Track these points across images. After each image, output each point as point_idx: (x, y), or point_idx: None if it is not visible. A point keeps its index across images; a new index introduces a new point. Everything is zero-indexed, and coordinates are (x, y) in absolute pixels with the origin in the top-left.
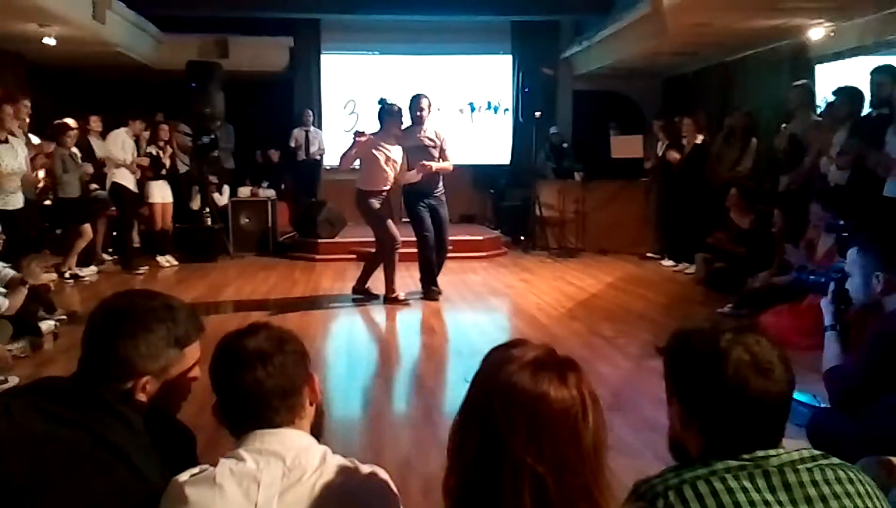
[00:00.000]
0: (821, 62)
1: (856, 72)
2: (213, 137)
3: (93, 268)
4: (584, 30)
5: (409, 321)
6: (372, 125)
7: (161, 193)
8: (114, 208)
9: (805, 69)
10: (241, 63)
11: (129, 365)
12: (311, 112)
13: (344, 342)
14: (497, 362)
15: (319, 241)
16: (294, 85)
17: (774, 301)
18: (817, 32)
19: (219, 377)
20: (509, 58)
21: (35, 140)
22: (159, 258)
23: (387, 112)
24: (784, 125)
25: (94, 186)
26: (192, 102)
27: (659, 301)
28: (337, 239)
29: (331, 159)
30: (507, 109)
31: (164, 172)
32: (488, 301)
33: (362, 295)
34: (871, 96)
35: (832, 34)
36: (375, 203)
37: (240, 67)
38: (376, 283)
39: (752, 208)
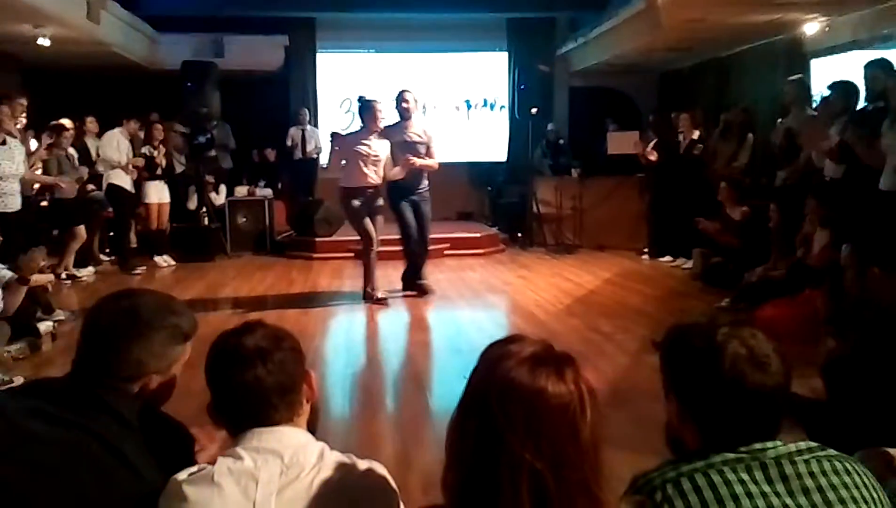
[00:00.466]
0: (816, 57)
1: (851, 66)
2: (209, 136)
3: (90, 268)
4: (580, 26)
5: (407, 318)
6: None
7: (158, 193)
8: (110, 209)
9: (800, 64)
10: (237, 62)
11: (142, 366)
12: (307, 111)
13: (342, 340)
14: (494, 358)
15: (316, 239)
16: (290, 84)
17: (771, 295)
18: (812, 27)
19: (217, 376)
20: (505, 55)
21: (33, 144)
22: (156, 258)
23: (363, 109)
24: (780, 120)
25: (90, 187)
26: (188, 101)
27: (656, 297)
28: (334, 237)
29: (327, 158)
30: (503, 106)
31: (159, 172)
32: (486, 298)
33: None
34: (866, 90)
35: (827, 29)
36: (356, 201)
37: (235, 66)
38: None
39: (744, 200)
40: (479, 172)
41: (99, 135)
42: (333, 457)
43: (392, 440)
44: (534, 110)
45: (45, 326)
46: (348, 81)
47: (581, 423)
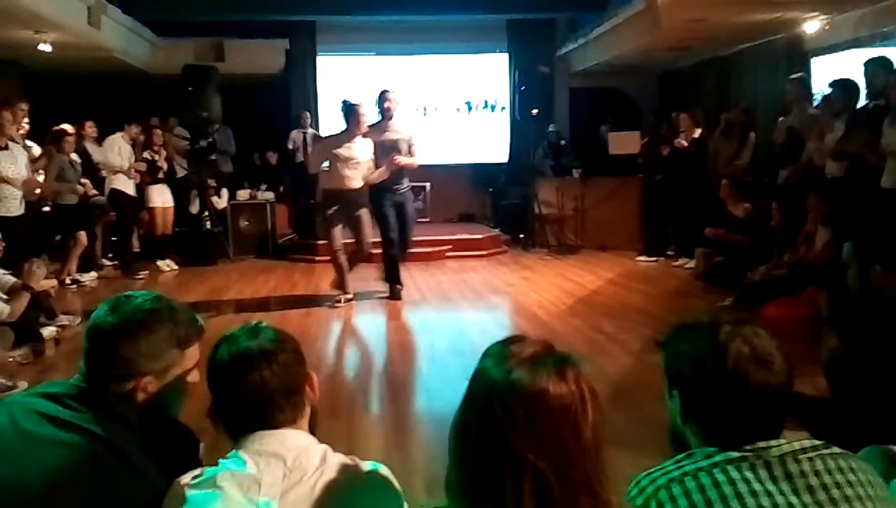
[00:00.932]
0: (816, 55)
1: (852, 64)
2: (210, 140)
3: (93, 274)
4: (580, 27)
5: (410, 320)
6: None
7: (161, 197)
8: (113, 214)
9: (801, 62)
10: (238, 66)
11: (130, 365)
12: (308, 114)
13: (346, 342)
14: (496, 358)
15: (319, 243)
16: (291, 87)
17: (774, 294)
18: (812, 26)
19: (222, 379)
20: (505, 56)
21: (37, 150)
22: (159, 263)
23: (347, 112)
24: (781, 118)
25: (92, 192)
26: (189, 105)
27: (659, 296)
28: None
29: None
30: (504, 108)
31: (160, 175)
32: (489, 300)
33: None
34: (867, 88)
35: (827, 27)
36: (332, 209)
37: (236, 70)
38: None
39: (746, 197)
40: (480, 174)
41: (99, 140)
42: (336, 460)
43: (395, 441)
44: (535, 111)
45: (48, 331)
46: (349, 84)
47: (583, 423)
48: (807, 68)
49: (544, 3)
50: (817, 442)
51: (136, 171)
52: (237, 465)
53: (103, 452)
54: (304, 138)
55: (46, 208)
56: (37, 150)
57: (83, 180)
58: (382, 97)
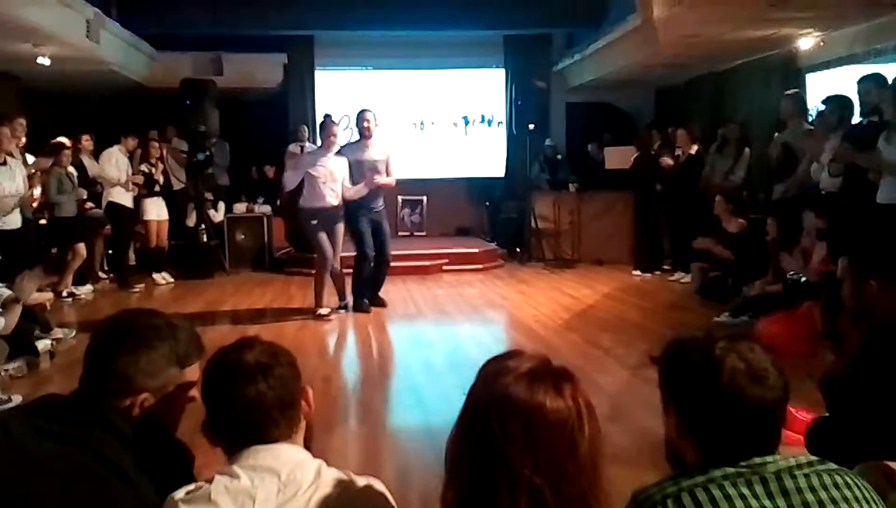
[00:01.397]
0: (811, 71)
1: (846, 80)
2: (207, 154)
3: (89, 286)
4: (576, 43)
5: (406, 334)
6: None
7: (156, 210)
8: (108, 227)
9: (795, 78)
10: (236, 80)
11: (127, 381)
12: (306, 128)
13: (342, 356)
14: (493, 373)
15: (316, 256)
16: (288, 101)
17: (770, 309)
18: (807, 42)
19: (218, 392)
20: (502, 71)
21: (30, 158)
22: (155, 276)
23: (321, 126)
24: (777, 134)
25: (89, 204)
26: (187, 119)
27: (655, 311)
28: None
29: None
30: (500, 122)
31: (157, 188)
32: (485, 313)
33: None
34: (861, 105)
35: (822, 44)
36: (313, 221)
37: (234, 84)
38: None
39: (739, 213)
40: (477, 188)
41: (96, 153)
42: (331, 474)
43: (391, 456)
44: (531, 126)
45: (43, 344)
46: (347, 98)
47: (579, 438)
48: (802, 84)
49: (541, 19)
50: (813, 458)
51: (134, 184)
52: (231, 480)
53: (98, 466)
54: (302, 152)
55: (43, 221)
56: (31, 160)
57: (81, 190)
58: (361, 117)
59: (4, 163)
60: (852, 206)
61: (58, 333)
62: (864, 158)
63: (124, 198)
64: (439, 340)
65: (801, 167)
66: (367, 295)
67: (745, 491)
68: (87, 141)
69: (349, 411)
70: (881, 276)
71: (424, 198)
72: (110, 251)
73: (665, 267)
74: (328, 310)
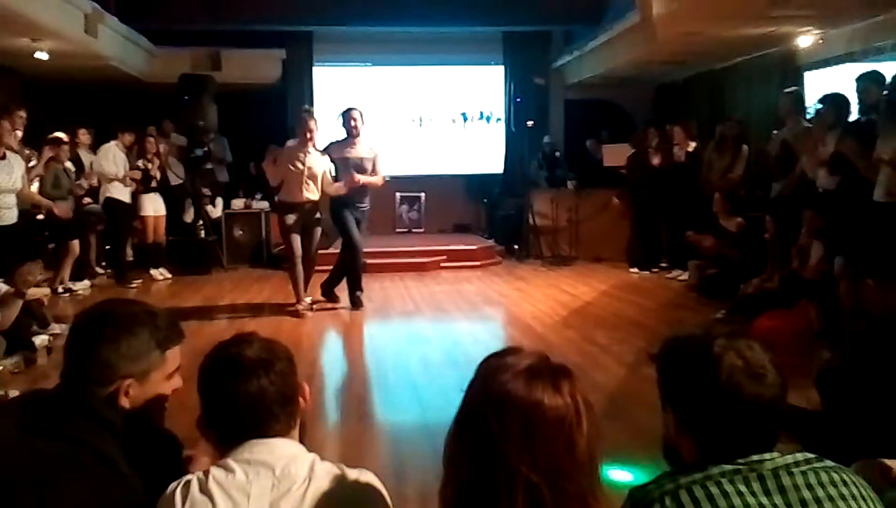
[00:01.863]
0: (810, 69)
1: (845, 78)
2: (206, 149)
3: (86, 282)
4: (575, 40)
5: (404, 330)
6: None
7: (153, 205)
8: (105, 222)
9: (794, 76)
10: (234, 76)
11: (110, 368)
12: None
13: (339, 353)
14: (491, 370)
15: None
16: (287, 97)
17: (767, 307)
18: (806, 40)
19: (215, 386)
20: (501, 68)
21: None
22: (153, 271)
23: (298, 120)
24: (775, 131)
25: (87, 200)
26: (185, 114)
27: (652, 308)
28: (330, 250)
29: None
30: (499, 119)
31: (154, 184)
32: (483, 310)
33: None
34: (859, 103)
35: (821, 42)
36: (291, 217)
37: (232, 80)
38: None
39: (739, 212)
40: (475, 185)
41: (93, 148)
42: (325, 469)
43: (389, 452)
44: (529, 123)
45: (40, 340)
46: (346, 95)
47: (577, 435)
48: (800, 82)
49: (540, 16)
50: (810, 456)
51: (131, 179)
52: (227, 474)
53: (89, 459)
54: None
55: (40, 217)
56: (32, 162)
57: (80, 183)
58: (347, 116)
59: (3, 157)
60: (849, 204)
61: (55, 328)
62: (862, 164)
63: (122, 193)
64: (437, 337)
65: (799, 166)
66: (359, 286)
67: (743, 488)
68: (84, 136)
69: (345, 407)
70: (878, 274)
71: (422, 195)
72: (108, 247)
73: (662, 265)
74: (308, 303)
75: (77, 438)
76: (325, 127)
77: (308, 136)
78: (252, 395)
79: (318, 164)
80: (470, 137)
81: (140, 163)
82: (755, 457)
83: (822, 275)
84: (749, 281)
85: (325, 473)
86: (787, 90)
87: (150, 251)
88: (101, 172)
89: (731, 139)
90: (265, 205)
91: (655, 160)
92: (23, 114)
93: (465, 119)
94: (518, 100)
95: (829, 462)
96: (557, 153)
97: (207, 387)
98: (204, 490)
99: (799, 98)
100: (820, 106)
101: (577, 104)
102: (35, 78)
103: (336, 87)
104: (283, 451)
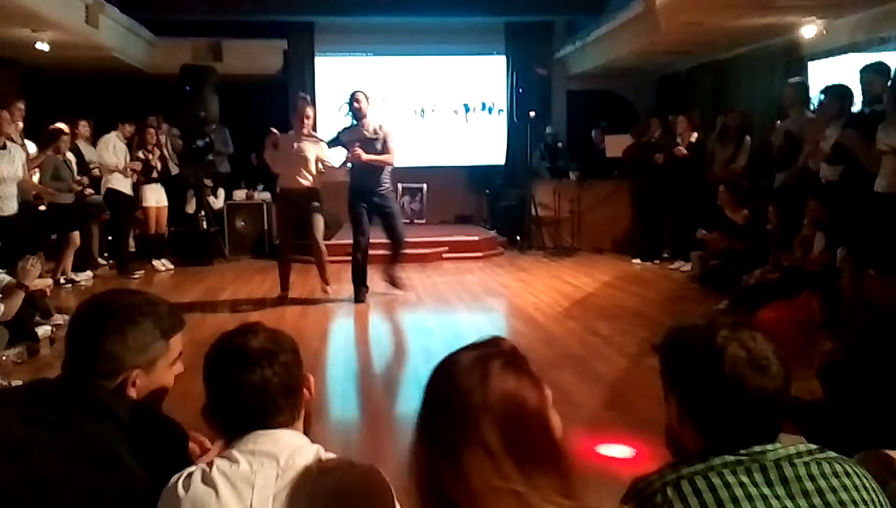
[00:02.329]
0: (813, 59)
1: (848, 68)
2: (207, 140)
3: (89, 273)
4: (578, 30)
5: (406, 322)
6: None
7: (155, 196)
8: (108, 213)
9: (798, 66)
10: (235, 66)
11: (118, 360)
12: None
13: (342, 344)
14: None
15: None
16: (289, 88)
17: (770, 298)
18: (810, 30)
19: (220, 376)
20: (503, 58)
21: (32, 148)
22: (155, 262)
23: (293, 107)
24: (779, 122)
25: (88, 191)
26: (187, 105)
27: (655, 299)
28: (333, 241)
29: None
30: (501, 110)
31: (154, 174)
32: (485, 302)
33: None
34: (863, 94)
35: (824, 32)
36: (283, 202)
37: (234, 71)
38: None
39: (744, 203)
40: (477, 176)
41: (95, 139)
42: (329, 459)
43: (391, 443)
44: (532, 114)
45: (43, 330)
46: (347, 85)
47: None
48: (804, 72)
49: (542, 5)
50: (813, 447)
51: (132, 170)
52: (231, 465)
53: (93, 449)
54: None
55: (42, 207)
56: (32, 147)
57: (80, 178)
58: (352, 98)
59: (4, 147)
60: (851, 195)
61: (58, 319)
62: (864, 155)
63: (123, 184)
64: (439, 327)
65: (802, 156)
66: (364, 281)
67: (745, 479)
68: (83, 127)
69: (349, 398)
70: (880, 266)
71: (424, 186)
72: (110, 238)
73: (665, 255)
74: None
75: (82, 429)
76: (326, 117)
77: (304, 122)
78: (256, 385)
79: (311, 149)
80: (472, 128)
81: (140, 154)
82: (758, 448)
83: (824, 266)
84: (751, 272)
85: (329, 464)
86: (791, 80)
87: (152, 242)
88: (102, 162)
89: (733, 130)
90: (267, 196)
91: (660, 159)
92: (21, 106)
93: (467, 110)
94: (520, 90)
95: (831, 453)
96: (560, 144)
97: (212, 377)
98: (207, 480)
99: (803, 88)
100: (822, 97)
101: (580, 95)
102: (36, 69)
103: (338, 77)
104: (288, 442)
